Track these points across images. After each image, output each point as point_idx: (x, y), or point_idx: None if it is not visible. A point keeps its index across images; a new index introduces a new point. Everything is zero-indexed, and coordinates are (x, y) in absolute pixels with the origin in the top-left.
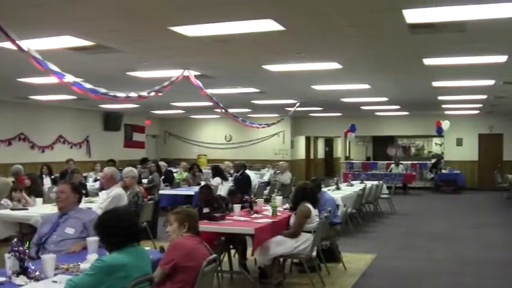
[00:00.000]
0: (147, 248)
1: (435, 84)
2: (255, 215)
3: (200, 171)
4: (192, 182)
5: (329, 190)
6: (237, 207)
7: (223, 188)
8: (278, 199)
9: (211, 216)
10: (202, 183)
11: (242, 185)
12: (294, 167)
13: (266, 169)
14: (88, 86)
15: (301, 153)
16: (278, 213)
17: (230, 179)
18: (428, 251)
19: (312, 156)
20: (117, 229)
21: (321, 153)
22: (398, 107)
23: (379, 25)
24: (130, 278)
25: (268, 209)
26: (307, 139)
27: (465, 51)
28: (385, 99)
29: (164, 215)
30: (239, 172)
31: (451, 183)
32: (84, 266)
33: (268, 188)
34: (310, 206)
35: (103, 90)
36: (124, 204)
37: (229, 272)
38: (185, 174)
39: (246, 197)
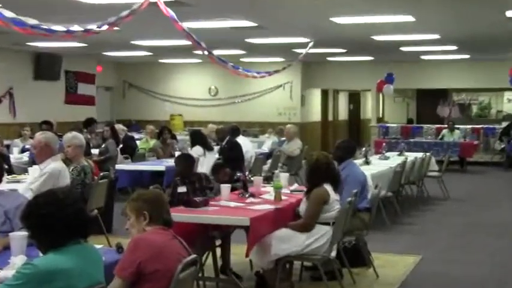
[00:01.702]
0: (98, 247)
1: (511, 14)
2: (251, 200)
3: (174, 138)
4: (163, 154)
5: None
6: (225, 188)
7: (206, 162)
8: (283, 177)
9: (190, 201)
10: (177, 154)
11: (231, 157)
12: (306, 133)
13: (266, 135)
14: (9, 14)
15: (315, 114)
16: (283, 197)
17: (216, 148)
18: (493, 253)
19: (330, 118)
20: (54, 220)
21: (343, 113)
22: (454, 47)
23: None
24: None
25: (269, 191)
26: (324, 93)
27: None
28: (435, 36)
29: (123, 199)
30: (225, 140)
31: None
32: (6, 273)
33: (270, 161)
34: (329, 187)
35: (32, 22)
36: (65, 185)
37: (214, 279)
38: (152, 143)
39: (239, 174)
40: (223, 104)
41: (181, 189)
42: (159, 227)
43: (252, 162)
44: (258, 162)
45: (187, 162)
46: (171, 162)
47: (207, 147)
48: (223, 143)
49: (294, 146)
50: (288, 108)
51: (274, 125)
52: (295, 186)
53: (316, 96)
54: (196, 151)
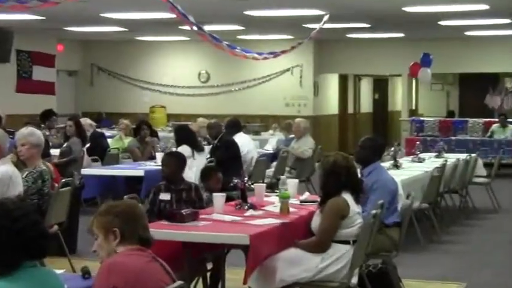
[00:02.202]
0: (59, 272)
1: None
2: (251, 212)
3: (154, 135)
4: (141, 155)
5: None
6: (218, 197)
7: (195, 165)
8: (291, 184)
9: (175, 214)
10: (159, 156)
11: (226, 159)
12: (320, 129)
13: (270, 132)
14: None
15: (331, 105)
16: (291, 209)
17: (207, 149)
18: None
19: (350, 110)
20: (2, 237)
21: (366, 104)
22: (507, 20)
23: None
24: None
25: (273, 202)
26: (343, 80)
27: None
28: (483, 6)
29: (90, 212)
30: (218, 137)
31: None
32: None
33: (274, 164)
34: (349, 197)
35: None
36: (17, 193)
37: None
38: (128, 141)
39: (235, 181)
40: (217, 93)
41: (165, 196)
42: (134, 247)
43: (252, 166)
44: (260, 166)
45: (178, 162)
46: (151, 165)
47: (196, 147)
48: (216, 142)
49: (305, 146)
50: (297, 98)
51: (280, 119)
52: (307, 195)
53: (332, 83)
54: (182, 152)
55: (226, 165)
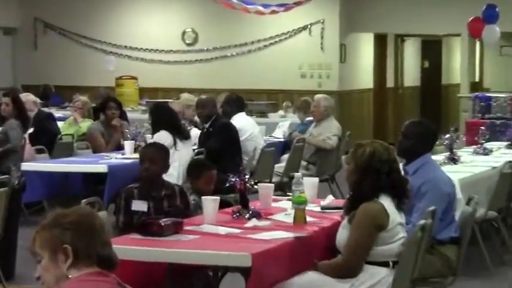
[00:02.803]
0: None
1: None
2: (254, 223)
3: (123, 117)
4: (104, 144)
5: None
6: (210, 202)
7: (178, 158)
8: (309, 184)
9: (151, 224)
10: (128, 146)
11: (221, 150)
12: (348, 108)
13: (281, 113)
14: None
15: (364, 76)
16: (309, 219)
17: (195, 136)
18: None
19: (390, 83)
20: None
21: (412, 75)
22: None
23: None
24: None
25: (285, 209)
26: (380, 41)
27: None
28: None
29: (34, 223)
30: (210, 120)
31: None
32: None
33: (286, 157)
34: (388, 202)
35: None
36: None
37: None
38: (86, 125)
39: (233, 180)
40: (207, 59)
41: (139, 205)
42: (92, 270)
43: (256, 159)
44: (267, 159)
45: (161, 155)
46: (118, 158)
47: (180, 134)
48: (208, 126)
49: (328, 132)
50: (317, 66)
51: (294, 95)
52: (330, 199)
53: (366, 47)
54: (160, 139)
55: (221, 158)
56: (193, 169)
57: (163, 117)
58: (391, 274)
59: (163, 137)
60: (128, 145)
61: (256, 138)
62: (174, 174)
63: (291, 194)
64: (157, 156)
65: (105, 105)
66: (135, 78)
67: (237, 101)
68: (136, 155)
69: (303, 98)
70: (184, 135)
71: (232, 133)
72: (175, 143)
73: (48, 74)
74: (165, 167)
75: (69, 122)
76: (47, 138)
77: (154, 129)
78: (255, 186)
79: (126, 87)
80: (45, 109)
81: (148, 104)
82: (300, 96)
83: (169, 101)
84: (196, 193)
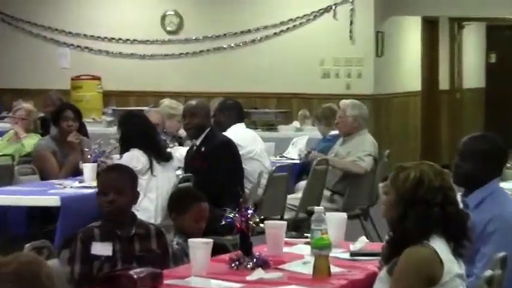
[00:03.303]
0: None
1: None
2: (259, 275)
3: (83, 130)
4: (57, 166)
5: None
6: (199, 247)
7: (155, 186)
8: (335, 221)
9: (117, 277)
10: (88, 170)
11: (216, 174)
12: (387, 118)
13: (295, 125)
14: None
15: (409, 74)
16: (334, 269)
17: (179, 156)
18: None
19: (444, 85)
20: None
21: (473, 73)
22: None
23: None
24: None
25: (302, 256)
26: (430, 27)
27: None
28: None
29: None
30: (201, 135)
31: None
32: None
33: (303, 184)
34: (442, 246)
35: None
36: None
37: None
38: (31, 142)
39: (232, 215)
40: (195, 52)
41: (101, 248)
42: None
43: (262, 186)
44: (277, 187)
45: (129, 182)
46: (74, 187)
47: (158, 153)
48: (199, 142)
49: (360, 150)
50: (344, 62)
51: (313, 100)
52: (362, 243)
53: (411, 35)
54: (130, 161)
55: (215, 186)
56: (177, 201)
57: (136, 130)
58: None
59: (136, 157)
60: (89, 169)
61: (260, 159)
62: (150, 208)
63: (309, 235)
64: (125, 184)
65: (58, 116)
66: (97, 78)
67: (235, 109)
68: None
69: (325, 105)
70: (165, 156)
71: (233, 154)
72: (151, 167)
73: None
74: (135, 197)
75: (8, 138)
76: None
77: (124, 147)
78: (261, 225)
79: (85, 91)
80: None
81: (116, 113)
82: (322, 103)
83: (145, 109)
84: (180, 234)
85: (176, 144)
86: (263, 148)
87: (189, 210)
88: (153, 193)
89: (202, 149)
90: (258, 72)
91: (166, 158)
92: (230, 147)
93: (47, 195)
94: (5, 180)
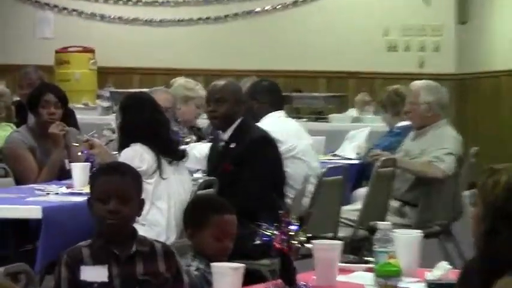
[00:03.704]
0: None
1: None
2: None
3: (70, 120)
4: (38, 168)
5: None
6: (226, 273)
7: (166, 193)
8: (405, 241)
9: None
10: (78, 172)
11: (249, 179)
12: (475, 104)
13: (352, 114)
14: None
15: (503, 50)
16: None
17: (197, 154)
18: None
19: None
20: None
21: None
22: None
23: None
24: None
25: (361, 286)
26: None
27: None
28: None
29: None
30: (230, 127)
31: None
32: None
33: (363, 191)
34: None
35: None
36: None
37: None
38: (3, 134)
39: (270, 233)
40: (218, 18)
41: (93, 273)
42: None
43: (308, 194)
44: (328, 196)
45: (135, 186)
46: (60, 194)
47: (169, 150)
48: (228, 136)
49: (438, 148)
50: (417, 30)
51: (376, 81)
52: (443, 270)
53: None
54: (132, 159)
55: (247, 193)
56: (195, 213)
57: (140, 119)
58: None
59: (139, 154)
60: (79, 171)
61: (305, 156)
62: (161, 222)
63: (372, 258)
64: (130, 189)
65: (37, 100)
66: (90, 50)
67: (272, 92)
68: None
69: (391, 88)
70: (177, 153)
71: (273, 153)
72: (159, 167)
73: None
74: (140, 207)
75: None
76: None
77: (124, 141)
78: (308, 245)
79: (74, 67)
80: None
81: (115, 97)
82: (387, 85)
83: (152, 89)
84: (200, 257)
85: (193, 137)
86: (309, 144)
87: (210, 224)
88: (163, 202)
89: (232, 145)
90: (302, 44)
91: (180, 155)
92: (269, 143)
93: (24, 205)
94: None
